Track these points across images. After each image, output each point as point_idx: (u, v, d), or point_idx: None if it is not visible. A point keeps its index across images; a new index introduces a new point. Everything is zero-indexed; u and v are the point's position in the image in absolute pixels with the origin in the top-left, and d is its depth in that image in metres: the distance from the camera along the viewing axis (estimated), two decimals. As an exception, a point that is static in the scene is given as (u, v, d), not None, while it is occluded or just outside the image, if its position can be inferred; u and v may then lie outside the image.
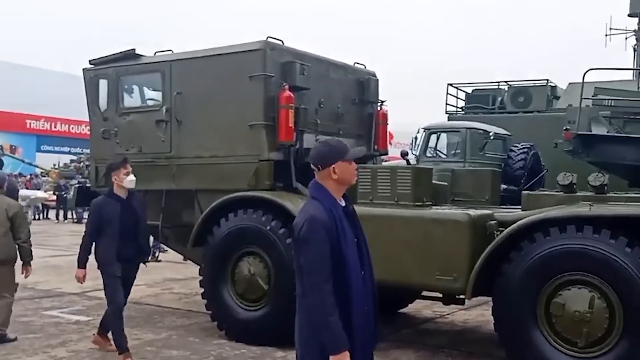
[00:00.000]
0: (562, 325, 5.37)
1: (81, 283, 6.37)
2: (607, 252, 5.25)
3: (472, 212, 6.11)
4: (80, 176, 23.97)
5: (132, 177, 6.21)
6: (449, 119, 14.01)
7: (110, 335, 6.38)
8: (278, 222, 6.82)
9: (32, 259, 6.87)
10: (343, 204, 3.16)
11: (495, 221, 6.01)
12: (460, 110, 14.67)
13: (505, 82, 14.69)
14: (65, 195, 23.13)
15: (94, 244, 6.21)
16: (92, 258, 6.25)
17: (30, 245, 6.83)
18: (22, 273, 6.82)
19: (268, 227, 6.82)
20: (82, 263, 6.24)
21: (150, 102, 8.46)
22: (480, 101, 14.45)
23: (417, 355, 6.65)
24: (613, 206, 5.82)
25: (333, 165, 3.11)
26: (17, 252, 6.79)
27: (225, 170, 7.44)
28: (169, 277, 11.42)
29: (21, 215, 6.79)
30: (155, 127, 7.94)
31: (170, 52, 8.13)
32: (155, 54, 8.26)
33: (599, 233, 5.34)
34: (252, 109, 7.28)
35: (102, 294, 9.54)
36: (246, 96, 7.32)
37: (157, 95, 8.25)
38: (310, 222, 2.99)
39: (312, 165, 3.19)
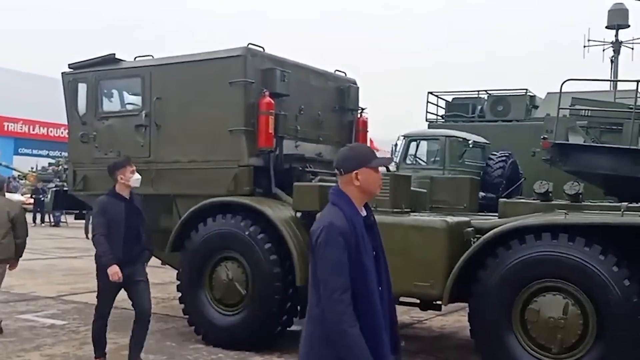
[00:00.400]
0: (537, 331, 5.44)
1: (118, 278, 5.65)
2: (582, 260, 5.32)
3: (450, 219, 6.16)
4: (58, 180, 23.74)
5: (138, 175, 5.99)
6: (429, 127, 14.12)
7: (142, 355, 6.03)
8: (257, 228, 6.82)
9: (21, 256, 7.02)
10: (364, 213, 3.00)
11: (472, 228, 6.07)
12: (440, 118, 14.79)
13: (485, 91, 14.83)
14: (42, 199, 22.89)
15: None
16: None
17: (25, 244, 6.97)
18: (7, 264, 6.88)
19: (246, 233, 6.82)
20: (110, 260, 5.66)
21: (129, 107, 8.44)
22: (460, 109, 14.59)
23: (394, 361, 6.67)
24: (588, 214, 5.91)
25: (356, 171, 2.95)
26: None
27: (205, 175, 7.44)
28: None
29: (22, 215, 6.98)
30: (134, 131, 7.94)
31: (151, 57, 8.12)
32: (135, 58, 8.25)
33: (573, 241, 5.41)
34: (232, 114, 7.30)
35: (77, 297, 9.56)
36: (226, 102, 7.34)
37: (137, 99, 8.23)
38: (329, 228, 2.83)
39: (335, 169, 3.07)
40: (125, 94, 8.63)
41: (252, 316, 6.73)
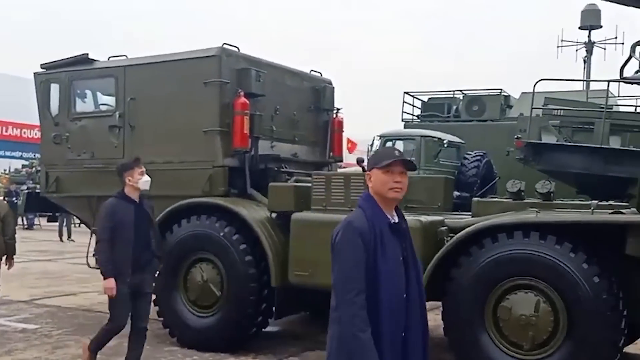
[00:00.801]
0: (509, 328, 5.49)
1: (113, 295, 5.47)
2: (553, 257, 5.38)
3: (424, 218, 6.19)
4: (31, 182, 23.41)
5: (147, 177, 5.70)
6: (405, 127, 14.18)
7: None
8: (232, 229, 6.80)
9: (15, 254, 7.03)
10: (395, 219, 2.97)
11: (445, 227, 6.11)
12: (416, 118, 14.87)
13: (461, 91, 14.94)
14: (15, 201, 22.55)
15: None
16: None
17: (15, 241, 7.00)
18: (6, 264, 6.89)
19: (221, 234, 6.80)
20: (110, 272, 5.44)
21: (103, 107, 8.37)
22: (435, 109, 14.68)
23: None
24: (559, 213, 5.97)
25: (368, 172, 2.98)
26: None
27: (179, 176, 7.40)
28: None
29: (10, 214, 7.02)
30: (108, 132, 7.88)
31: (125, 58, 8.07)
32: (109, 58, 8.19)
33: (544, 239, 5.47)
34: (206, 115, 7.27)
35: (50, 301, 9.45)
36: (201, 102, 7.32)
37: (111, 100, 8.17)
38: (347, 228, 2.84)
39: None
40: (98, 94, 8.56)
41: (227, 317, 6.71)
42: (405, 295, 2.88)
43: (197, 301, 6.96)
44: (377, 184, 2.94)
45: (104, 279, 5.47)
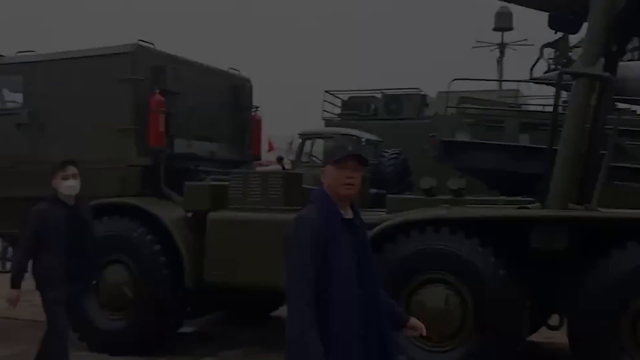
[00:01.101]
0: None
1: (14, 306, 5.21)
2: (462, 252, 5.56)
3: (340, 215, 6.24)
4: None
5: (71, 182, 5.24)
6: (325, 125, 14.30)
7: None
8: (145, 229, 6.68)
9: None
10: (349, 215, 2.89)
11: (360, 224, 6.19)
12: (336, 116, 15.03)
13: (379, 90, 15.21)
14: None
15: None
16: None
17: None
18: None
19: (134, 234, 6.67)
20: (17, 282, 5.14)
21: (10, 105, 8.03)
22: (355, 108, 14.87)
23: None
24: (468, 209, 6.17)
25: (323, 168, 2.92)
26: None
27: (92, 176, 7.11)
28: (28, 288, 10.71)
29: None
30: (15, 130, 7.57)
31: (34, 53, 7.78)
32: (16, 54, 7.87)
33: (454, 234, 5.65)
34: (120, 112, 7.13)
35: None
36: (115, 100, 7.16)
37: (19, 97, 7.86)
38: (296, 222, 2.78)
39: None
40: (5, 91, 8.21)
41: (141, 320, 6.60)
42: (359, 292, 2.80)
43: (110, 304, 6.80)
44: (330, 179, 2.88)
45: (11, 287, 5.16)
